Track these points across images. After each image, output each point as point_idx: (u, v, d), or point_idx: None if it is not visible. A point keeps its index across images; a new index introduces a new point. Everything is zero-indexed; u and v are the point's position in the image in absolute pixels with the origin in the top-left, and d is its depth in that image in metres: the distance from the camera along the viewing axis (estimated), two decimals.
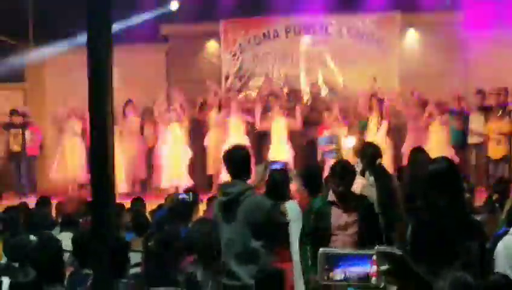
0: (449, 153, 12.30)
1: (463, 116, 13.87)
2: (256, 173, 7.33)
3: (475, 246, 4.36)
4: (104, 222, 3.60)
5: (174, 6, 15.26)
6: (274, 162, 7.70)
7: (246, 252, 5.52)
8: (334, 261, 2.50)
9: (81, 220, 7.94)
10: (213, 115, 14.24)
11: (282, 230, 6.08)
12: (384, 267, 2.21)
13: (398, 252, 2.22)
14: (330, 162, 9.48)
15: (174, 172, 13.75)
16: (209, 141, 14.20)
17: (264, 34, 15.66)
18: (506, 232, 6.07)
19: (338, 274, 2.50)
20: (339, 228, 6.02)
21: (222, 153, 6.05)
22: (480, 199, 9.41)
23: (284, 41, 15.64)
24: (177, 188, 12.96)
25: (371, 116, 13.82)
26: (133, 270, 5.29)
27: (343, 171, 6.14)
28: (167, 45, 16.06)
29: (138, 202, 9.45)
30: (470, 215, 4.71)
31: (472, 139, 13.74)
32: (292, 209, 6.67)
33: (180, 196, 8.80)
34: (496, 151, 13.28)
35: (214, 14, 15.40)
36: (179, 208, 7.91)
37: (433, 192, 4.46)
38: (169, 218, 7.53)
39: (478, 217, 6.27)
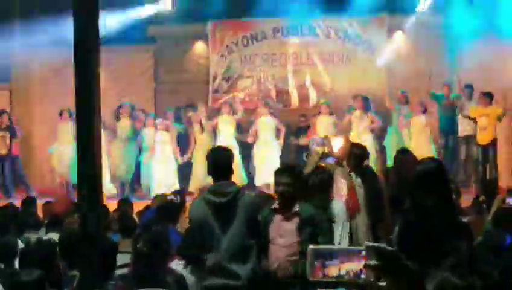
0: (431, 153, 12.43)
1: (451, 103, 13.90)
2: (308, 164, 7.15)
3: (463, 246, 4.38)
4: (92, 223, 3.59)
5: (162, 7, 15.23)
6: (327, 155, 7.47)
7: (244, 249, 5.52)
8: (325, 257, 2.51)
9: (66, 220, 7.89)
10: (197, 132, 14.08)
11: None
12: (374, 262, 2.21)
13: (389, 247, 2.22)
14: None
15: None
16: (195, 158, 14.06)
17: (252, 36, 15.68)
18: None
19: (332, 270, 2.51)
20: (277, 237, 5.75)
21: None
22: (467, 199, 9.47)
23: (272, 43, 15.67)
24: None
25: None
26: (119, 272, 5.26)
27: (283, 171, 5.90)
28: (155, 46, 16.04)
29: (125, 204, 9.43)
30: (457, 216, 4.73)
31: (463, 130, 13.74)
32: (338, 208, 6.66)
33: (169, 197, 8.80)
34: (483, 137, 13.30)
35: (201, 16, 15.40)
36: (166, 208, 7.89)
37: (420, 192, 4.48)
38: (157, 219, 7.52)
39: (465, 219, 6.30)
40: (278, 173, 5.94)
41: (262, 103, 14.25)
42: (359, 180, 7.35)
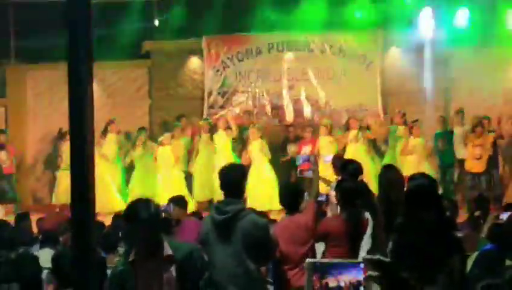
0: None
1: (447, 137, 13.95)
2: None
3: (456, 261, 4.37)
4: (84, 240, 3.55)
5: (157, 22, 15.28)
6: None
7: (241, 272, 5.38)
8: (325, 269, 2.51)
9: (61, 238, 7.85)
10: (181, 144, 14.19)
11: (274, 249, 5.92)
12: (372, 273, 2.20)
13: (386, 259, 2.22)
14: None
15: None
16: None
17: (246, 51, 15.70)
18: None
19: (331, 282, 2.51)
20: None
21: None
22: (460, 216, 9.45)
23: (267, 58, 15.69)
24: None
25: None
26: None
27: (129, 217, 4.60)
28: (150, 61, 16.05)
29: (119, 219, 9.38)
30: (450, 232, 4.72)
31: (457, 155, 13.86)
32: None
33: (162, 207, 8.78)
34: (475, 166, 13.34)
35: (196, 31, 15.43)
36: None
37: (413, 208, 4.47)
38: None
39: (459, 233, 6.29)
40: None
41: (254, 126, 14.21)
42: None
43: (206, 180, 13.83)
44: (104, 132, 14.14)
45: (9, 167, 14.34)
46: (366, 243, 6.65)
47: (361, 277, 2.50)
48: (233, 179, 5.57)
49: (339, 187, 7.00)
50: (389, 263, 2.19)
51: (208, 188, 13.68)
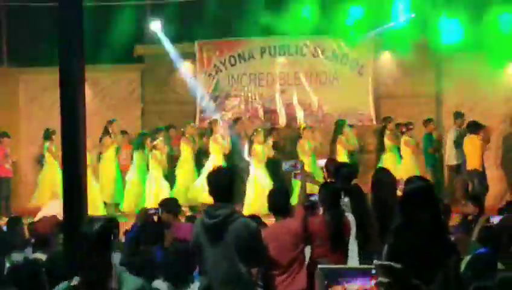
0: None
1: (436, 141, 14.03)
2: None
3: (452, 263, 4.40)
4: (76, 243, 3.56)
5: (151, 27, 15.27)
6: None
7: (233, 275, 5.37)
8: (334, 276, 2.51)
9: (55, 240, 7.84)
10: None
11: (265, 253, 5.90)
12: (384, 279, 2.20)
13: (397, 265, 2.22)
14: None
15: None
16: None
17: (239, 55, 15.70)
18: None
19: None
20: None
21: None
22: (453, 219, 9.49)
23: (259, 62, 15.69)
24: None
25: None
26: None
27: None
28: (142, 65, 16.04)
29: (111, 223, 9.36)
30: (446, 234, 4.75)
31: (449, 161, 13.93)
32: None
33: (150, 211, 8.78)
34: (470, 164, 13.40)
35: (189, 35, 15.44)
36: (150, 227, 7.86)
37: (409, 211, 4.50)
38: (142, 238, 7.48)
39: (451, 237, 6.32)
40: None
41: (257, 129, 14.23)
42: (346, 199, 7.34)
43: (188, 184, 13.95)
44: (105, 133, 14.21)
45: (10, 171, 14.43)
46: (352, 245, 6.70)
47: (368, 285, 2.50)
48: (222, 183, 5.56)
49: (322, 189, 7.11)
50: (400, 269, 2.18)
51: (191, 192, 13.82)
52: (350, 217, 6.93)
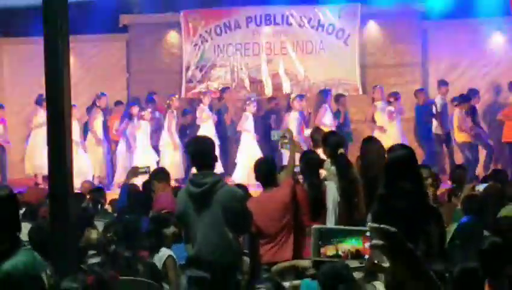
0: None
1: (429, 109, 13.98)
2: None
3: (434, 230, 4.44)
4: (62, 213, 3.56)
5: None
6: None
7: (221, 242, 5.40)
8: (327, 237, 2.53)
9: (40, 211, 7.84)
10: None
11: (250, 221, 5.92)
12: (378, 242, 2.19)
13: (392, 229, 2.21)
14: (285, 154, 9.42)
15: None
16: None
17: (225, 25, 15.62)
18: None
19: (329, 250, 2.54)
20: None
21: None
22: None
23: (245, 32, 15.61)
24: None
25: None
26: (91, 260, 5.24)
27: None
28: (127, 35, 15.94)
29: (98, 192, 9.38)
30: (428, 201, 4.80)
31: (436, 130, 13.91)
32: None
33: (140, 170, 8.82)
34: (459, 136, 13.44)
35: (174, 5, 15.35)
36: (137, 197, 7.88)
37: (392, 178, 4.53)
38: (129, 208, 7.49)
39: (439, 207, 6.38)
40: None
41: (248, 99, 14.24)
42: (333, 168, 7.36)
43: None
44: (92, 106, 14.10)
45: (6, 141, 14.45)
46: (331, 213, 6.77)
47: (359, 246, 2.51)
48: (203, 150, 5.56)
49: (303, 158, 7.18)
50: (395, 233, 2.18)
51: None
52: (331, 185, 6.98)
